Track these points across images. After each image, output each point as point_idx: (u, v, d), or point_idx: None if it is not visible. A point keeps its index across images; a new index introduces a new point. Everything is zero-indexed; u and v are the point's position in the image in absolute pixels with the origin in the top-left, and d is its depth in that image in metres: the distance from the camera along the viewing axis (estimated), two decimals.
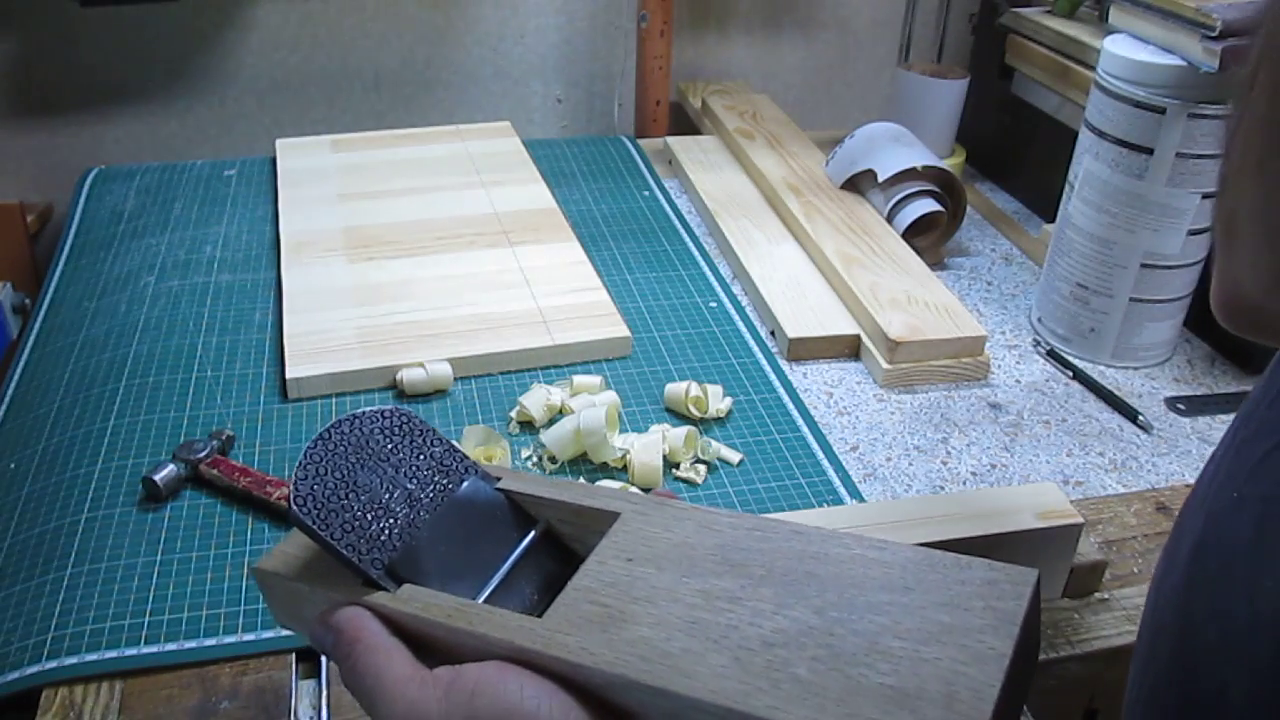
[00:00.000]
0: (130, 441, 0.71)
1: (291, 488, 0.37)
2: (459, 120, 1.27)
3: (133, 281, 0.90)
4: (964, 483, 0.71)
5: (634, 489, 0.65)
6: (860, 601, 0.33)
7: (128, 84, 1.19)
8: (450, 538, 0.39)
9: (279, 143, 1.13)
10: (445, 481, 0.41)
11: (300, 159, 1.09)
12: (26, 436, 0.74)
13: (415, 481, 0.40)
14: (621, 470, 0.69)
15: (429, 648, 0.36)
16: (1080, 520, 0.58)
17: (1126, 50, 0.81)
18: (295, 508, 0.37)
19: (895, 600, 0.33)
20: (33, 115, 1.19)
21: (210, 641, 0.57)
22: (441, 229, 0.96)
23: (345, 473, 0.39)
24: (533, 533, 0.40)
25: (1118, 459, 0.74)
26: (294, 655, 0.56)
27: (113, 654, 0.56)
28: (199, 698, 0.54)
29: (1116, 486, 0.71)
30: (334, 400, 0.76)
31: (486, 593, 0.38)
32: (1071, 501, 0.59)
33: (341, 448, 0.39)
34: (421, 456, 0.41)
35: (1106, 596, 0.61)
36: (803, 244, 0.97)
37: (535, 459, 0.71)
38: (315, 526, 0.37)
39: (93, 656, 0.55)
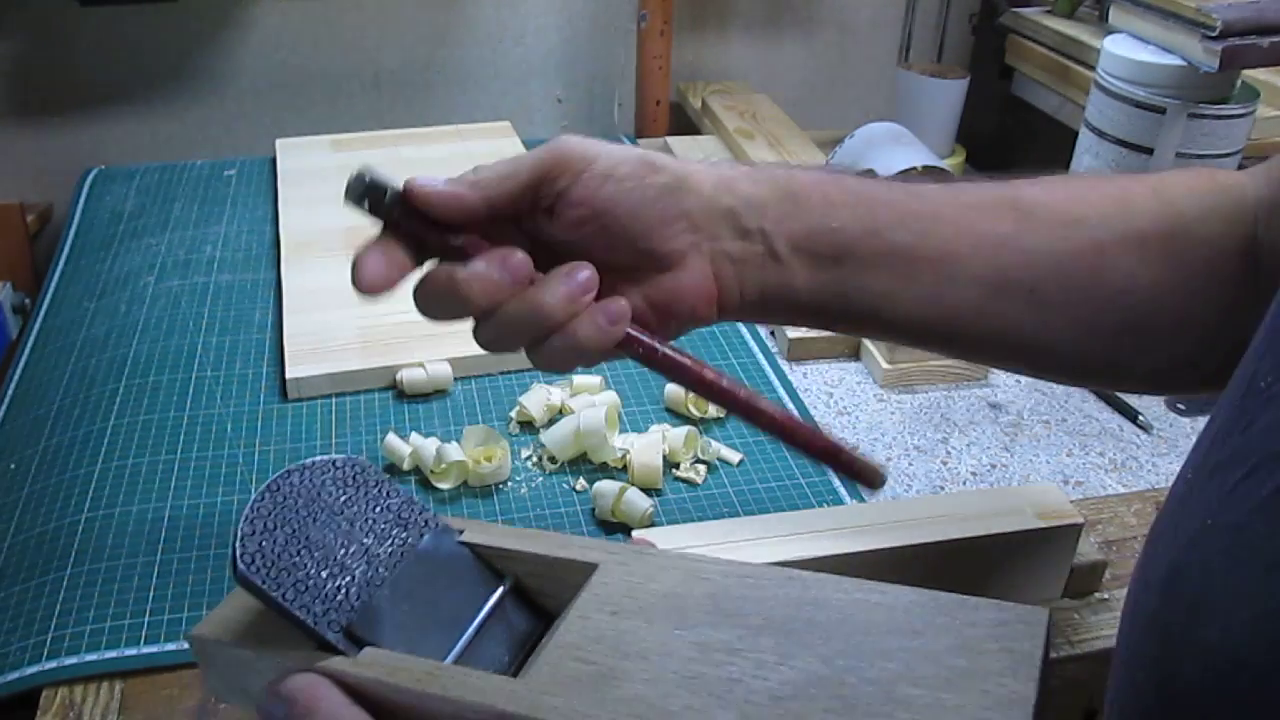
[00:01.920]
0: (130, 441, 0.71)
1: (237, 544, 0.34)
2: (459, 120, 1.27)
3: (133, 281, 0.90)
4: (964, 483, 0.71)
5: (631, 489, 0.65)
6: (868, 648, 0.31)
7: (128, 84, 1.19)
8: (412, 596, 0.36)
9: (279, 143, 1.13)
10: (404, 535, 0.38)
11: (300, 159, 1.09)
12: (26, 436, 0.74)
13: (372, 536, 0.37)
14: (621, 470, 0.69)
15: (395, 716, 0.33)
16: (1080, 520, 0.58)
17: (1126, 50, 0.81)
18: (242, 566, 0.34)
19: (905, 645, 0.31)
20: (33, 115, 1.19)
21: None
22: None
23: (296, 527, 0.36)
24: (500, 588, 0.38)
25: (1118, 459, 0.74)
26: None
27: (113, 654, 0.56)
28: (199, 698, 0.54)
29: (1116, 486, 0.71)
30: (334, 400, 0.76)
31: (454, 654, 0.35)
32: (1071, 501, 0.59)
33: (291, 500, 0.36)
34: (378, 509, 0.38)
35: (1106, 596, 0.61)
36: None
37: (535, 459, 0.71)
38: (265, 586, 0.34)
39: (93, 656, 0.55)
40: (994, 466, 0.73)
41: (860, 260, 0.46)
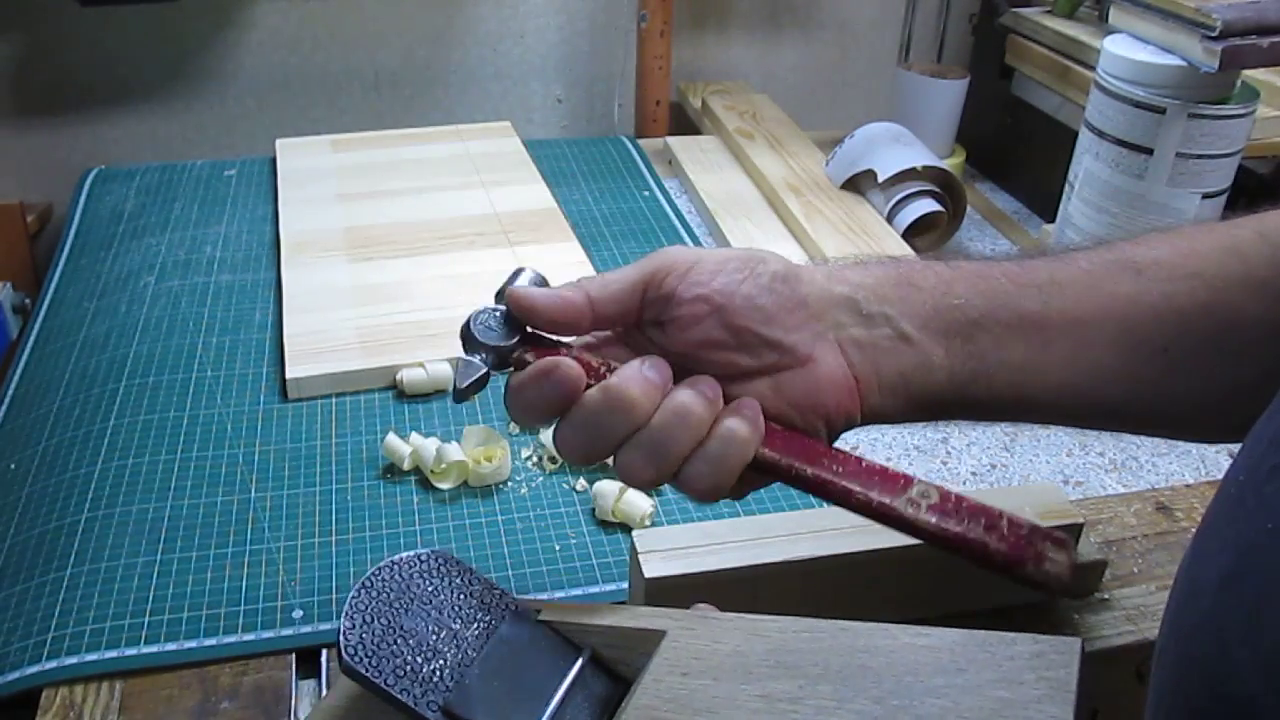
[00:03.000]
0: (130, 441, 0.71)
1: (341, 638, 0.38)
2: (459, 120, 1.27)
3: (133, 281, 0.90)
4: (964, 483, 0.71)
5: (631, 489, 0.65)
6: (918, 687, 0.34)
7: (128, 84, 1.19)
8: (499, 674, 0.40)
9: (279, 143, 1.13)
10: (488, 618, 0.41)
11: (300, 159, 1.09)
12: (26, 436, 0.74)
13: (459, 621, 0.41)
14: None
15: None
16: (1080, 520, 0.58)
17: (1126, 50, 0.81)
18: (347, 657, 0.37)
19: (950, 682, 0.34)
20: (33, 115, 1.19)
21: (210, 641, 0.57)
22: (441, 229, 0.96)
23: (391, 618, 0.39)
24: (579, 661, 0.41)
25: (1118, 459, 0.74)
26: (294, 655, 0.56)
27: (113, 654, 0.56)
28: (199, 698, 0.54)
29: (1116, 486, 0.71)
30: (334, 400, 0.76)
31: None
32: (1071, 501, 0.59)
33: (384, 594, 0.40)
34: (462, 596, 0.42)
35: (1107, 596, 0.61)
36: (803, 244, 0.97)
37: (535, 459, 0.71)
38: (369, 674, 0.37)
39: (93, 656, 0.55)
40: (994, 466, 0.73)
41: (992, 332, 0.45)
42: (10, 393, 0.80)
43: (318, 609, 0.59)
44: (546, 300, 0.44)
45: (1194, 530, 0.67)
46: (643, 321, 0.46)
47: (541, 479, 0.69)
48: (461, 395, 0.45)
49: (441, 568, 0.42)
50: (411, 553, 0.42)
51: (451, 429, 0.73)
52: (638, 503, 0.64)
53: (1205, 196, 0.80)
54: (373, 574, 0.40)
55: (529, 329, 0.46)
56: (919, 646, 0.35)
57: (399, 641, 0.39)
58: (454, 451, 0.68)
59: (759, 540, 0.55)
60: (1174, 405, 0.46)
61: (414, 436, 0.70)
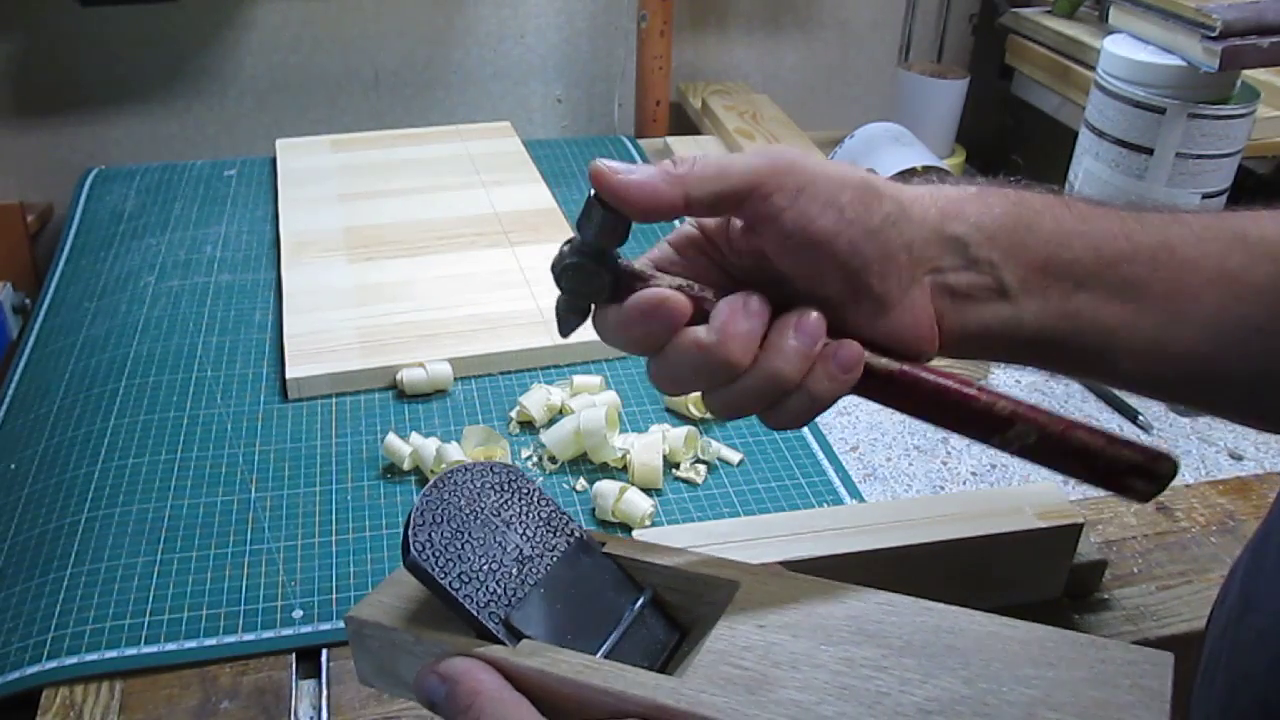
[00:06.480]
0: (130, 441, 0.71)
1: (409, 532, 0.36)
2: (459, 120, 1.27)
3: (133, 281, 0.90)
4: (964, 483, 0.71)
5: (631, 489, 0.65)
6: (1007, 675, 0.33)
7: (128, 84, 1.19)
8: (561, 598, 0.39)
9: (279, 143, 1.13)
10: (554, 541, 0.40)
11: (300, 159, 1.09)
12: (26, 436, 0.74)
13: (526, 539, 0.40)
14: (621, 470, 0.69)
15: (547, 706, 0.35)
16: (1080, 520, 0.58)
17: (1126, 50, 0.81)
18: (414, 552, 0.36)
19: (1042, 675, 0.33)
20: (33, 115, 1.19)
21: (210, 641, 0.57)
22: (441, 229, 0.96)
23: (460, 524, 0.38)
24: (641, 599, 0.40)
25: None
26: (294, 655, 0.56)
27: (113, 654, 0.56)
28: (199, 698, 0.54)
29: None
30: (334, 400, 0.76)
31: (602, 653, 0.37)
32: (1071, 501, 0.59)
33: (455, 498, 0.39)
34: (530, 514, 0.41)
35: (1107, 596, 0.61)
36: None
37: (535, 459, 0.71)
38: (435, 574, 0.36)
39: (93, 656, 0.55)
40: (994, 466, 0.73)
41: (1094, 294, 0.44)
42: (10, 393, 0.80)
43: (318, 609, 0.59)
44: (640, 191, 0.40)
45: (1194, 530, 0.67)
46: (732, 223, 0.43)
47: (541, 479, 0.69)
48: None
49: (512, 483, 0.41)
50: (482, 463, 0.41)
51: (451, 429, 0.73)
52: (638, 503, 0.64)
53: (1205, 196, 0.80)
54: (444, 476, 0.39)
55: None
56: (1005, 635, 0.35)
57: (466, 547, 0.37)
58: (454, 451, 0.68)
59: (759, 540, 0.55)
60: (1255, 389, 0.45)
61: (414, 436, 0.70)
